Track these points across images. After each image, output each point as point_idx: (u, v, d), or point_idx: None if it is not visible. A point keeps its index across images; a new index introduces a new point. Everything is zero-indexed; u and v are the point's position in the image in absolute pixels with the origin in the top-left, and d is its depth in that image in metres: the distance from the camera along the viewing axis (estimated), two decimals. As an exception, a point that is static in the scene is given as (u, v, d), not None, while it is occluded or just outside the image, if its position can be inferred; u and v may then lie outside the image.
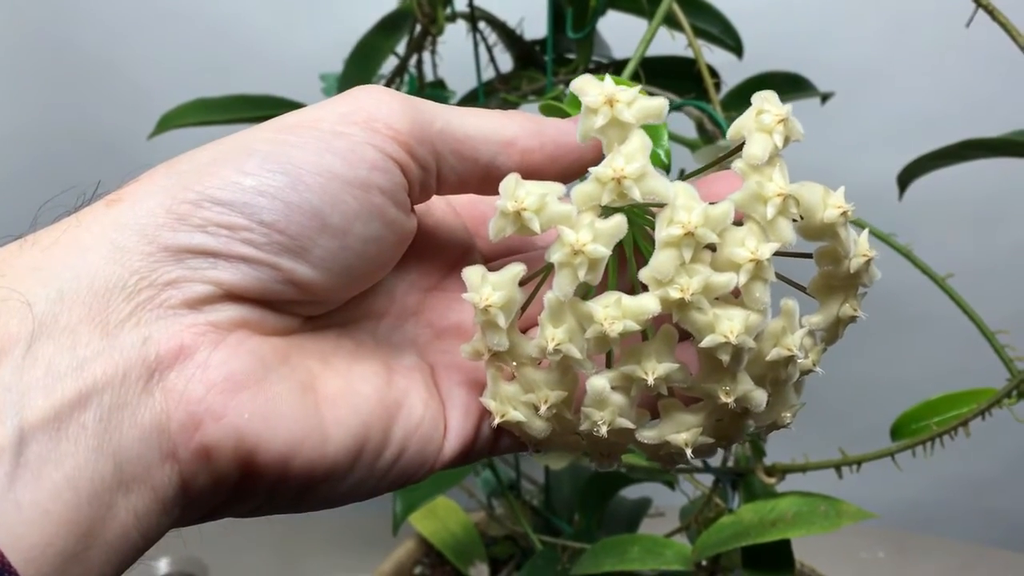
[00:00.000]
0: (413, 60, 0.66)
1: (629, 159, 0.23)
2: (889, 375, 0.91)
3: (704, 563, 0.64)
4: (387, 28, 0.64)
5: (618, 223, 0.23)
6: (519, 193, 0.24)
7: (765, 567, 0.51)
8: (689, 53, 0.53)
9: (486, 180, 0.26)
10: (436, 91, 0.68)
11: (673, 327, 0.24)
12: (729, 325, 0.23)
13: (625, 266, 0.26)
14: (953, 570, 0.93)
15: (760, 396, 0.25)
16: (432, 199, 0.27)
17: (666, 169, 0.31)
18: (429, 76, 0.68)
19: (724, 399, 0.24)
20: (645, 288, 0.23)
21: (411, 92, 0.60)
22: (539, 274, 0.26)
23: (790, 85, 0.66)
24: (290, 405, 0.23)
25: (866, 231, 0.25)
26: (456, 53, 0.66)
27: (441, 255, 0.29)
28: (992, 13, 0.42)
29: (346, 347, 0.26)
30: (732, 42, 0.62)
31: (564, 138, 0.26)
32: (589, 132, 0.24)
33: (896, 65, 0.84)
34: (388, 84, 0.67)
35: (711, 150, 0.54)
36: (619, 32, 0.64)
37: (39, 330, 0.21)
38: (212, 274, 0.23)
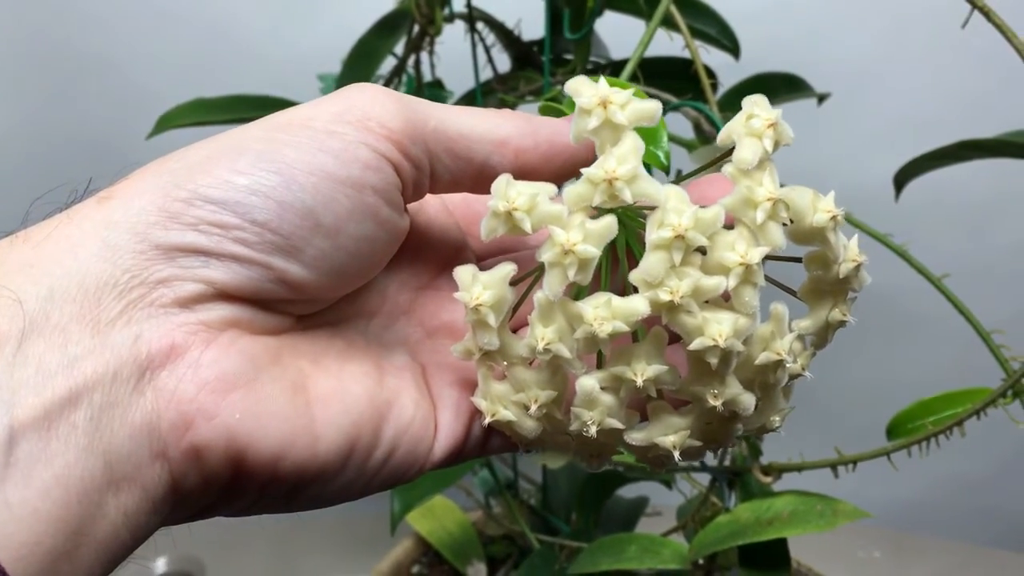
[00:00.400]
0: (411, 60, 0.66)
1: (621, 161, 0.23)
2: (885, 375, 0.91)
3: (701, 562, 0.64)
4: (385, 29, 0.64)
5: (608, 224, 0.23)
6: (510, 193, 0.24)
7: (761, 566, 0.51)
8: (686, 54, 0.53)
9: (480, 179, 0.26)
10: (434, 91, 0.68)
11: (663, 329, 0.24)
12: (718, 328, 0.23)
13: (617, 268, 0.26)
14: (949, 569, 0.93)
15: (748, 400, 0.25)
16: (425, 197, 0.27)
17: (666, 170, 0.31)
18: (427, 76, 0.68)
19: (712, 402, 0.24)
20: (636, 290, 0.23)
21: (409, 92, 0.60)
22: (531, 274, 0.26)
23: (787, 86, 0.66)
24: (281, 405, 0.23)
25: (856, 236, 0.25)
26: (454, 54, 0.66)
27: (433, 254, 0.29)
28: (988, 15, 0.42)
29: (337, 346, 0.26)
30: (729, 43, 0.62)
31: (558, 138, 0.26)
32: (582, 133, 0.24)
33: (892, 66, 0.84)
34: (386, 84, 0.66)
35: (708, 151, 0.54)
36: (616, 32, 0.64)
37: (30, 328, 0.21)
38: (204, 273, 0.23)
